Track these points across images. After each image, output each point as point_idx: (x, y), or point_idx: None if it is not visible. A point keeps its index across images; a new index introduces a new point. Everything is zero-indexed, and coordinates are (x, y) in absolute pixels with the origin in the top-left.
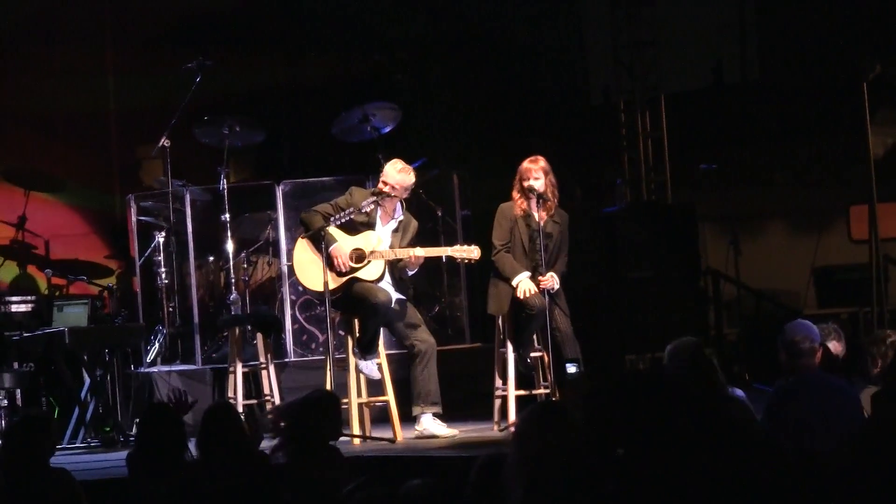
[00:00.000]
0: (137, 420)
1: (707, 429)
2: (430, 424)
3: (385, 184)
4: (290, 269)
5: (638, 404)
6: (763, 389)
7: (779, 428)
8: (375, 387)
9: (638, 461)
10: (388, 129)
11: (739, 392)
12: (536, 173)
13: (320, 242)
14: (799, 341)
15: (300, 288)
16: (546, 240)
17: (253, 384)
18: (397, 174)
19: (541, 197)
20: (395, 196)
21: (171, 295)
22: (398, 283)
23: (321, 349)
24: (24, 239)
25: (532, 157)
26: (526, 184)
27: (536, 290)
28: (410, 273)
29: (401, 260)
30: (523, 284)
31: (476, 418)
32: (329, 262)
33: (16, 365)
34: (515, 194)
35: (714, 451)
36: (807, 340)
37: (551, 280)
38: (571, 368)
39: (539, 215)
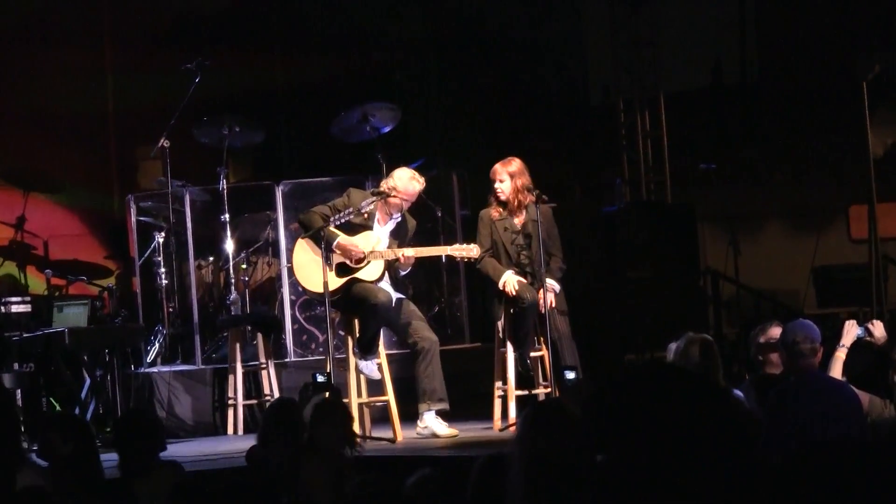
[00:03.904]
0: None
1: (709, 428)
2: (433, 422)
3: (395, 190)
4: (290, 269)
5: (639, 400)
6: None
7: (779, 428)
8: (375, 387)
9: (636, 461)
10: (387, 129)
11: (738, 393)
12: (501, 176)
13: (320, 242)
14: (799, 342)
15: (300, 288)
16: (525, 240)
17: (253, 384)
18: (408, 183)
19: (502, 203)
20: (401, 203)
21: (171, 295)
22: (397, 282)
23: (321, 349)
24: (24, 240)
25: (504, 160)
26: (493, 189)
27: (524, 282)
28: (403, 273)
29: (398, 260)
30: (509, 282)
31: (476, 418)
32: (334, 256)
33: (16, 365)
34: (492, 198)
35: (715, 452)
36: (807, 341)
37: (550, 291)
38: (570, 375)
39: (514, 217)
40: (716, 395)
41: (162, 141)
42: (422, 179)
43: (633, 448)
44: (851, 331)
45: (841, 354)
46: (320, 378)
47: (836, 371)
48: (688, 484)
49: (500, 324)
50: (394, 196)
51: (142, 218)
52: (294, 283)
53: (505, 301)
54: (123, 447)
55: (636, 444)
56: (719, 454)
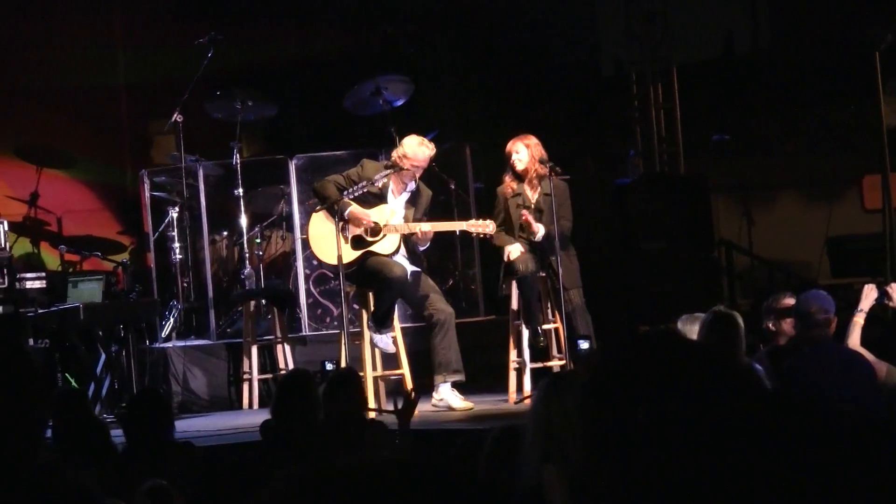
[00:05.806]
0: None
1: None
2: (448, 395)
3: (404, 157)
4: (305, 243)
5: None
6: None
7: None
8: (390, 360)
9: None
10: (400, 102)
11: (758, 367)
12: (516, 147)
13: (335, 214)
14: (814, 312)
15: (314, 262)
16: (536, 214)
17: (267, 358)
18: (417, 149)
19: (518, 176)
20: (412, 170)
21: (185, 270)
22: (412, 255)
23: (336, 323)
24: (37, 215)
25: (520, 135)
26: (511, 163)
27: (525, 254)
28: (422, 249)
29: (415, 234)
30: (513, 251)
31: (491, 390)
32: (349, 229)
33: (31, 341)
34: (505, 175)
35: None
36: (821, 311)
37: (536, 231)
38: (584, 345)
39: (529, 191)
40: (725, 370)
41: (175, 115)
42: (431, 146)
43: (627, 417)
44: (870, 295)
45: (859, 319)
46: (329, 366)
47: (855, 336)
48: (682, 459)
49: (513, 298)
50: (404, 164)
51: (155, 193)
52: (308, 257)
53: (507, 273)
54: (132, 428)
55: (631, 413)
56: (721, 429)
